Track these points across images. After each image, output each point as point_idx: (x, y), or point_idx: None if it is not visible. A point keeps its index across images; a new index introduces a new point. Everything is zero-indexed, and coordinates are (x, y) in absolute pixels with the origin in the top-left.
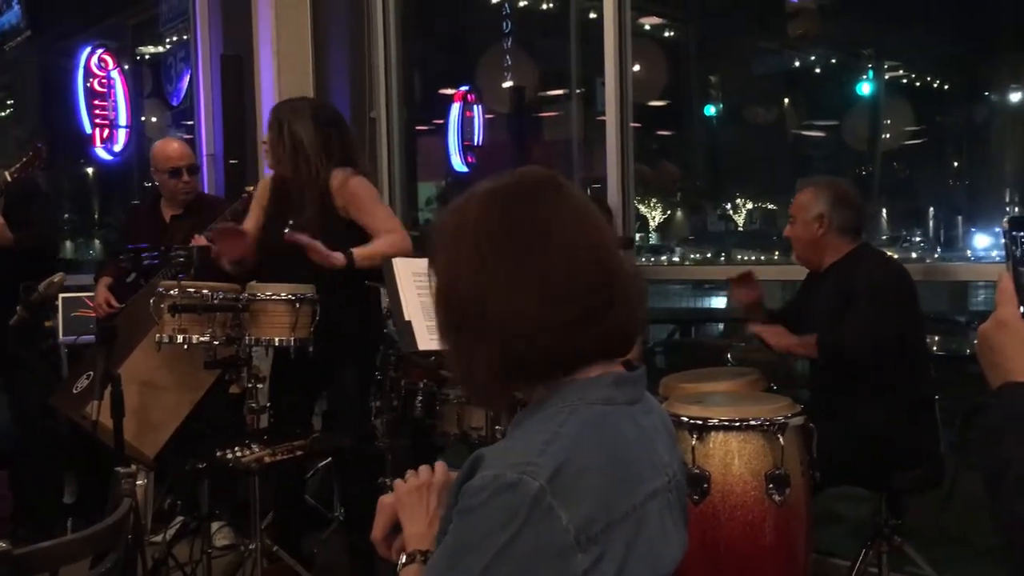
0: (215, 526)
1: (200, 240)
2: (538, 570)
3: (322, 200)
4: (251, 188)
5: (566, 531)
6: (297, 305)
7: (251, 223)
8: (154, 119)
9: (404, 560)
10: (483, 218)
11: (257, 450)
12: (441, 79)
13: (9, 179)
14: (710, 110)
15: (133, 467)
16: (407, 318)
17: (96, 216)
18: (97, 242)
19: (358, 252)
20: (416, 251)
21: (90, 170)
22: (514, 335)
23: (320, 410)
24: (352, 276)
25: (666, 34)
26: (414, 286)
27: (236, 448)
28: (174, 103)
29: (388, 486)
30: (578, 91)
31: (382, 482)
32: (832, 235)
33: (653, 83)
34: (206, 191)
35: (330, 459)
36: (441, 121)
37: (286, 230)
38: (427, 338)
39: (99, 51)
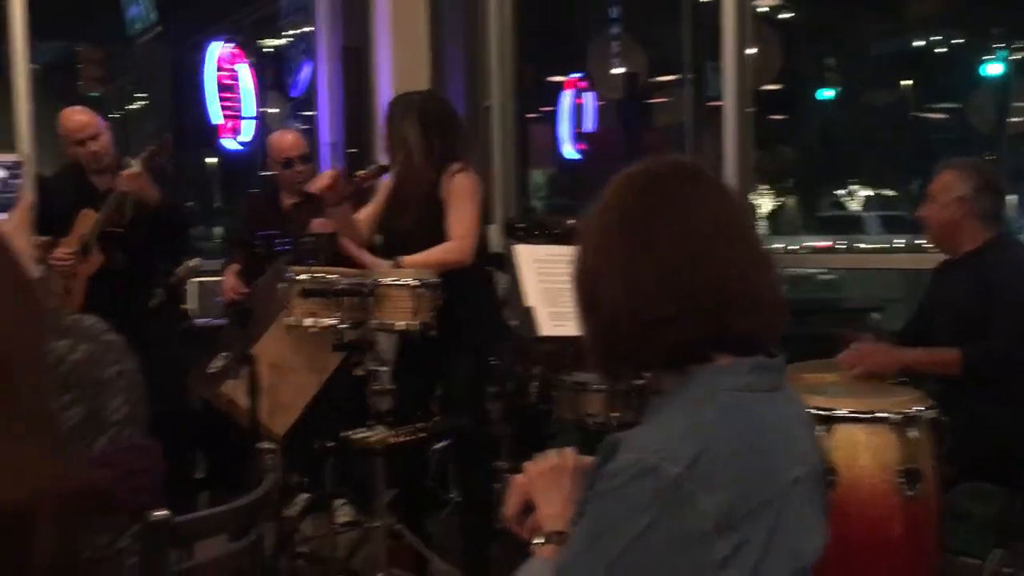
0: (336, 503)
1: (324, 225)
2: (676, 556)
3: (429, 197)
4: (361, 172)
5: (706, 517)
6: (419, 290)
7: (372, 210)
8: (274, 110)
9: (540, 540)
10: (619, 201)
11: (382, 431)
12: (550, 67)
13: (139, 167)
14: (825, 94)
15: (273, 444)
16: (529, 304)
17: (217, 205)
18: (216, 230)
19: (408, 260)
20: (529, 241)
21: (211, 160)
22: (626, 317)
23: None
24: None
25: (780, 16)
26: (536, 273)
27: (362, 429)
28: (294, 94)
29: (504, 470)
30: (689, 76)
31: (497, 466)
32: (971, 220)
33: (767, 67)
34: None
35: (447, 442)
36: (550, 108)
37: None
38: (550, 324)
39: (227, 45)
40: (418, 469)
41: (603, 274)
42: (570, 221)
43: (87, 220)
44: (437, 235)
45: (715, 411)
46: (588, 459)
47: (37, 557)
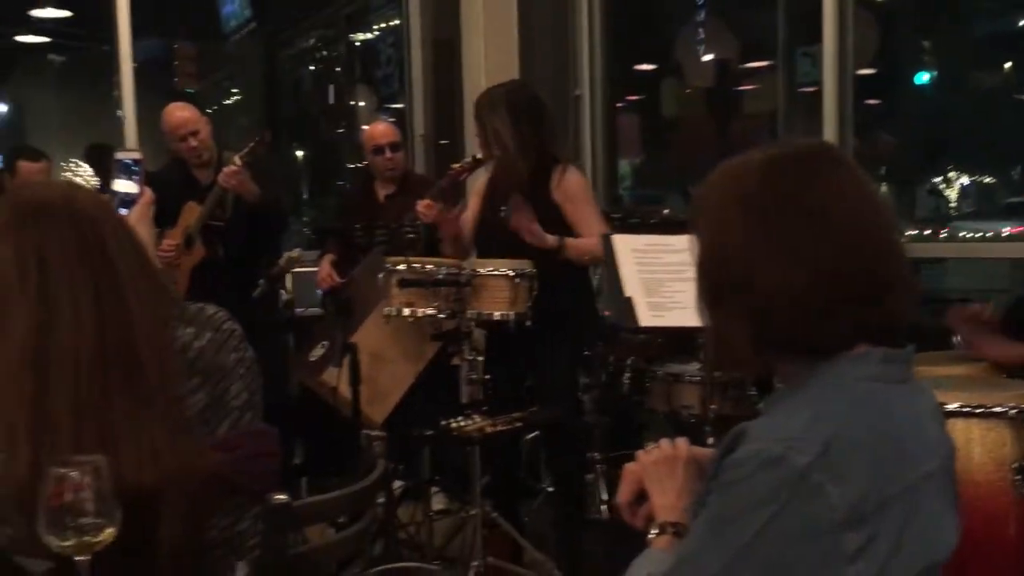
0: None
1: (427, 216)
2: (805, 548)
3: (527, 188)
4: (456, 166)
5: (835, 508)
6: (516, 280)
7: (471, 209)
8: (363, 103)
9: (655, 531)
10: (757, 186)
11: (478, 420)
12: (637, 55)
13: (239, 163)
14: (923, 77)
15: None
16: (628, 294)
17: (305, 197)
18: (304, 220)
19: (570, 242)
20: (624, 230)
21: (299, 153)
22: (777, 308)
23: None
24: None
25: None
26: (635, 263)
27: (459, 418)
28: (383, 87)
29: (597, 460)
30: (780, 62)
31: (590, 456)
32: None
33: (862, 50)
34: (418, 171)
35: (538, 432)
36: (637, 97)
37: (501, 210)
38: (648, 315)
39: (319, 40)
40: (513, 458)
41: (751, 264)
42: (666, 211)
43: (191, 213)
44: (553, 230)
45: (845, 401)
46: (702, 450)
47: (164, 537)
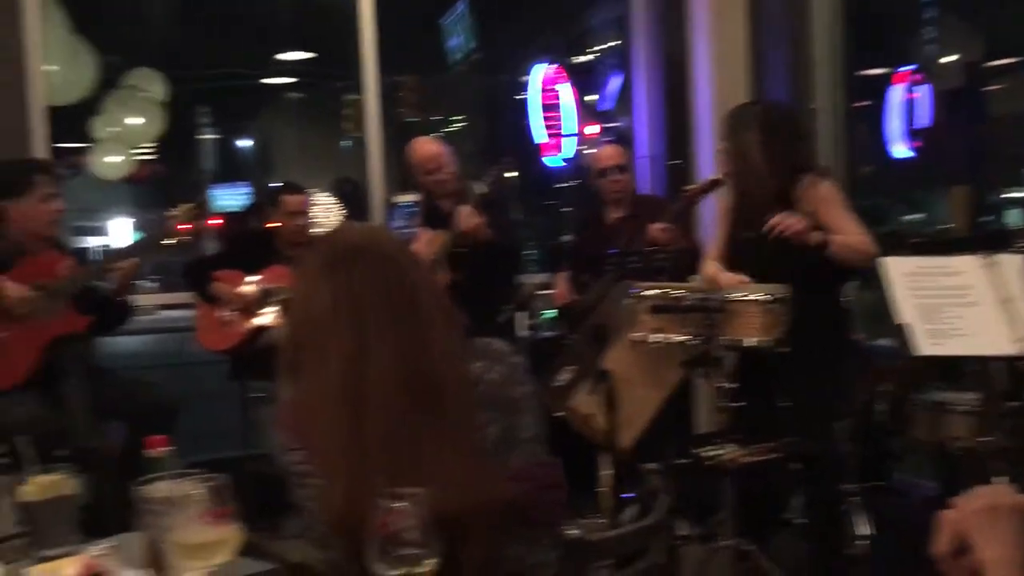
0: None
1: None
2: None
3: (777, 207)
4: (691, 187)
5: None
6: (770, 306)
7: (720, 231)
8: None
9: None
10: None
11: (732, 450)
12: (866, 61)
13: (483, 191)
14: None
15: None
16: (905, 321)
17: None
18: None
19: (837, 238)
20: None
21: (509, 173)
22: None
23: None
24: (821, 276)
25: None
26: (908, 287)
27: (710, 446)
28: (604, 108)
29: (851, 492)
30: None
31: (844, 489)
32: None
33: None
34: (645, 191)
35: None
36: (866, 103)
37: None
38: (928, 343)
39: (551, 65)
40: (763, 488)
41: None
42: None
43: (436, 241)
44: (805, 249)
45: None
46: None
47: (467, 566)
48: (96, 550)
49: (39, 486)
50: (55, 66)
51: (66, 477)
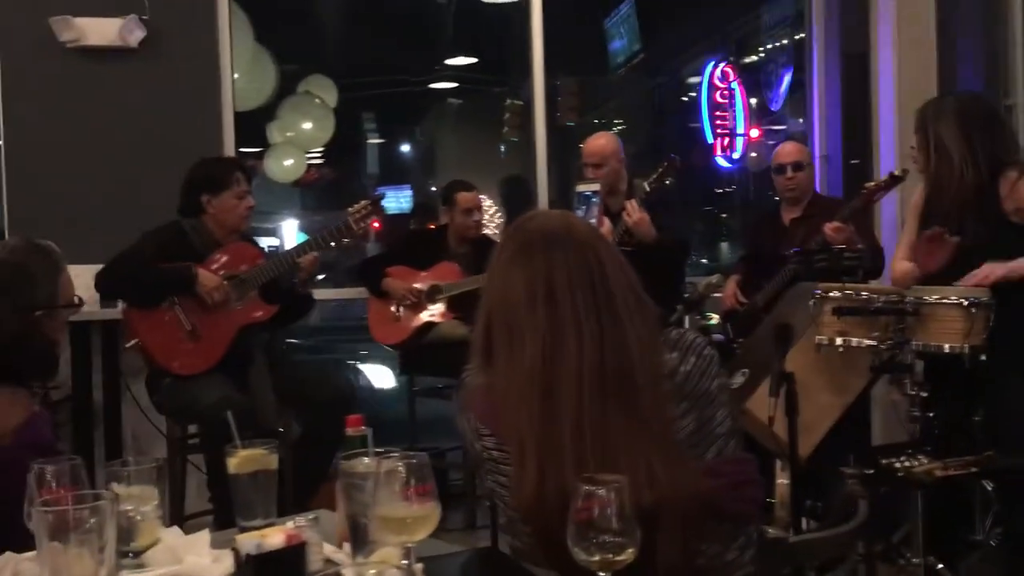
0: None
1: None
2: None
3: (980, 206)
4: (870, 184)
5: None
6: (972, 310)
7: (907, 235)
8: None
9: None
10: None
11: (925, 462)
12: None
13: (648, 189)
14: None
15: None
16: None
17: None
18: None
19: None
20: None
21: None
22: None
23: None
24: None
25: None
26: None
27: (903, 457)
28: (773, 108)
29: None
30: None
31: None
32: None
33: None
34: (820, 191)
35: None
36: None
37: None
38: None
39: (722, 64)
40: (955, 505)
41: None
42: None
43: (608, 235)
44: (1006, 245)
45: None
46: None
47: (660, 560)
48: (296, 522)
49: (242, 459)
50: (239, 73)
51: (268, 452)
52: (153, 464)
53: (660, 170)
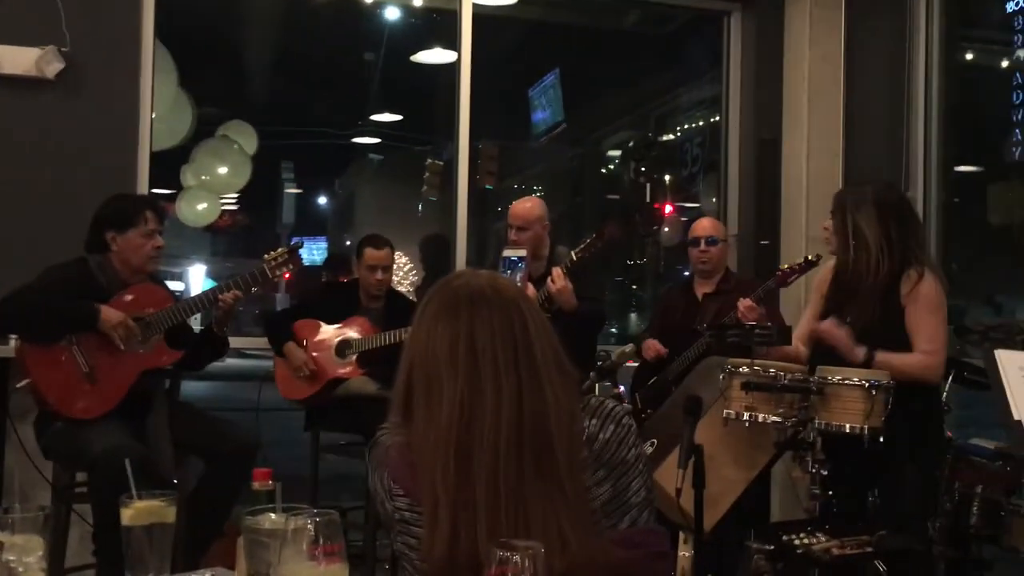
0: None
1: (748, 317)
2: None
3: (884, 295)
4: (786, 267)
5: None
6: (873, 392)
7: (811, 311)
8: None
9: None
10: None
11: (823, 540)
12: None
13: (575, 258)
14: None
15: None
16: (1017, 417)
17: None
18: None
19: (881, 358)
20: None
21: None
22: None
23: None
24: None
25: None
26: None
27: (803, 534)
28: (687, 186)
29: None
30: None
31: None
32: None
33: None
34: (731, 269)
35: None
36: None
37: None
38: None
39: (627, 140)
40: None
41: None
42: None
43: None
44: (893, 335)
45: None
46: None
47: None
48: None
49: (138, 511)
50: (156, 113)
51: (166, 504)
52: (40, 512)
53: (588, 240)
